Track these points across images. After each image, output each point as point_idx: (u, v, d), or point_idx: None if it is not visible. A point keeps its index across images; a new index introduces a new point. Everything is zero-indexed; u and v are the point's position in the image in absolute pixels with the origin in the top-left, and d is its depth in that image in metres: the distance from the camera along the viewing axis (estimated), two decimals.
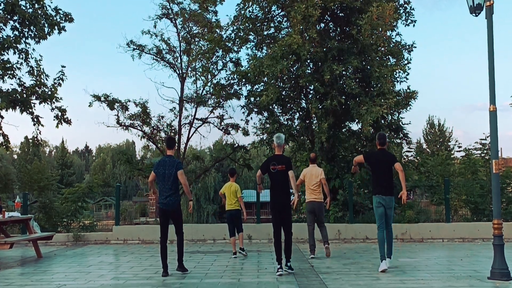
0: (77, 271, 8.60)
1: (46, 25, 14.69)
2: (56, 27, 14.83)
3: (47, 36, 14.72)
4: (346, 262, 9.12)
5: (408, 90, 15.04)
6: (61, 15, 14.99)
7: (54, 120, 15.73)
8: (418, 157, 18.64)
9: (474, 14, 8.03)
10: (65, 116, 15.84)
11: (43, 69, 15.35)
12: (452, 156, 22.42)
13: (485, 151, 15.84)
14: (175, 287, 7.01)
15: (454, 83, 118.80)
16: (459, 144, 16.10)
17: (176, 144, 7.09)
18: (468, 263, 8.83)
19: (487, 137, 15.72)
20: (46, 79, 15.42)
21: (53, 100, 15.41)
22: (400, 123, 15.39)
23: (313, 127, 15.71)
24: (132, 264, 9.38)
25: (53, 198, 16.40)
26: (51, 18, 14.73)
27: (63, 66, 15.68)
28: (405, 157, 17.87)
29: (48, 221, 15.77)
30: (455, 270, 8.14)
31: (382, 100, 13.40)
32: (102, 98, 18.89)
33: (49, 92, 15.31)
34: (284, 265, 7.90)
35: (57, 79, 15.57)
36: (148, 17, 22.43)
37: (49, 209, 15.99)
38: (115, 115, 19.34)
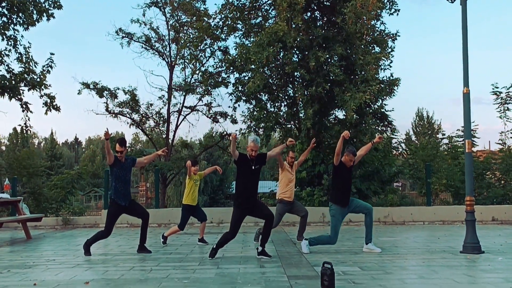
0: (66, 249, 8.85)
1: (34, 11, 14.75)
2: (44, 14, 14.88)
3: (36, 22, 14.80)
4: None
5: (391, 78, 15.34)
6: (50, 2, 15.05)
7: (43, 107, 15.77)
8: (406, 148, 18.93)
9: (449, 1, 8.32)
10: (54, 103, 15.90)
11: (32, 56, 15.44)
12: (440, 145, 22.70)
13: None
14: (161, 261, 7.28)
15: (442, 76, 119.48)
16: (442, 131, 16.37)
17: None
18: (444, 241, 9.18)
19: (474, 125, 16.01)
20: (35, 66, 15.50)
21: (42, 87, 15.49)
22: (383, 110, 15.71)
23: (300, 114, 15.99)
24: (121, 243, 9.64)
25: (42, 184, 16.56)
26: (39, 4, 14.80)
27: (51, 54, 15.74)
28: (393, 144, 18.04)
29: (37, 207, 15.93)
30: (430, 246, 8.49)
31: (366, 87, 13.68)
32: (91, 86, 19.04)
33: (38, 79, 15.39)
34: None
35: (45, 66, 15.64)
36: (137, 5, 22.69)
37: (38, 195, 16.18)
38: (104, 103, 19.53)
